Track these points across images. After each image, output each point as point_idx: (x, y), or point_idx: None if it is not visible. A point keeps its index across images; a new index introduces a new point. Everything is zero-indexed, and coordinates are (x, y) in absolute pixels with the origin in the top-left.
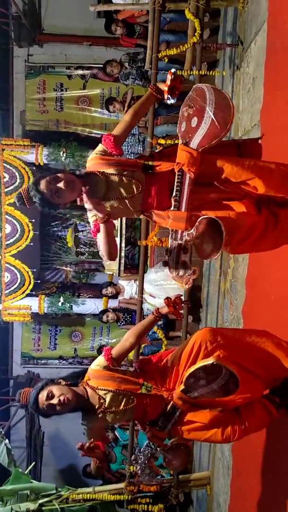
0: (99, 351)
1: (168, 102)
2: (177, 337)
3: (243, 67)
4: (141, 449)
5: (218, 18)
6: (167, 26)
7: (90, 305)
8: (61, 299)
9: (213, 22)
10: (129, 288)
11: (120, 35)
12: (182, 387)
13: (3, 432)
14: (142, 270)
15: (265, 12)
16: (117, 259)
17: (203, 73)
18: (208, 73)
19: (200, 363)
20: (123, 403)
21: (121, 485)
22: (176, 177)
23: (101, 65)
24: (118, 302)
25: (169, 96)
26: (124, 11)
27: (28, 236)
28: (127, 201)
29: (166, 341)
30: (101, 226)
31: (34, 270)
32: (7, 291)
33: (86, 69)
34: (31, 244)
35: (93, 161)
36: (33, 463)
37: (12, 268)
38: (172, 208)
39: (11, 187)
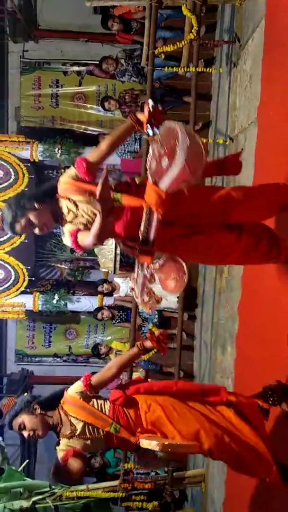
0: (94, 349)
1: (149, 133)
2: (173, 335)
3: (240, 64)
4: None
5: (215, 14)
6: (164, 23)
7: (85, 303)
8: (56, 297)
9: (210, 19)
10: (124, 285)
11: (116, 31)
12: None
13: None
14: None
15: (262, 9)
16: (113, 256)
17: (199, 70)
18: (205, 70)
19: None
20: (92, 434)
21: (115, 482)
22: (144, 214)
23: (97, 62)
24: (114, 299)
25: (148, 127)
26: (121, 7)
27: (20, 236)
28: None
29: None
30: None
31: (29, 267)
32: (0, 288)
33: (82, 66)
34: (26, 241)
35: (64, 185)
36: (27, 461)
37: (6, 265)
38: (139, 242)
39: (5, 184)
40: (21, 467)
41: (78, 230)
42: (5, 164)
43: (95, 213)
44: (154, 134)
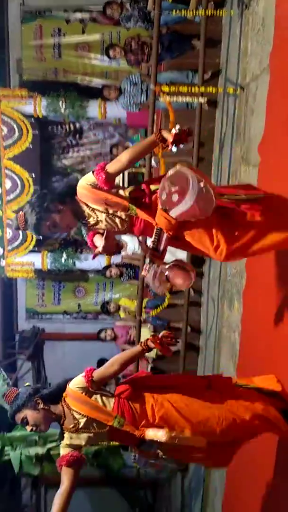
0: (103, 307)
1: (173, 150)
2: (180, 292)
3: (252, 6)
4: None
5: None
6: None
7: (93, 261)
8: (64, 255)
9: None
10: (132, 244)
11: None
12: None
13: (11, 383)
14: None
15: None
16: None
17: (209, 13)
18: (215, 13)
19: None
20: (95, 428)
21: None
22: (154, 231)
23: (101, 8)
24: (121, 258)
25: (174, 146)
26: None
27: (28, 192)
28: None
29: (169, 295)
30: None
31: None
32: (9, 247)
33: (85, 12)
34: (32, 199)
35: (83, 191)
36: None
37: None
38: (150, 249)
39: (10, 141)
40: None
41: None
42: (9, 120)
43: (113, 221)
44: (177, 151)
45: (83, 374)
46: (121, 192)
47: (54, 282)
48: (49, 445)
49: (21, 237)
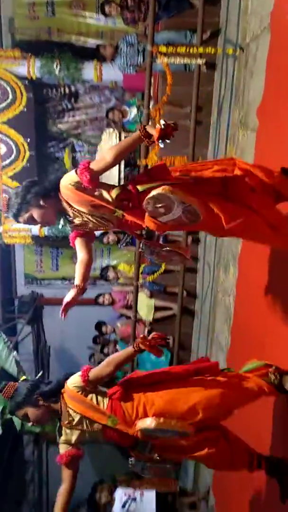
0: (103, 272)
1: (160, 145)
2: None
3: None
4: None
5: None
6: None
7: None
8: (61, 222)
9: None
10: None
11: None
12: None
13: (11, 346)
14: None
15: None
16: (117, 180)
17: None
18: None
19: (138, 427)
20: (89, 427)
21: None
22: (145, 231)
23: None
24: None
25: (160, 141)
26: None
27: (24, 157)
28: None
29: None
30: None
31: None
32: (6, 214)
33: None
34: (28, 165)
35: (67, 192)
36: (41, 372)
37: (10, 191)
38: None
39: (4, 104)
40: (36, 378)
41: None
42: (2, 82)
43: (100, 220)
44: (164, 145)
45: (80, 373)
46: (105, 195)
47: (52, 249)
48: None
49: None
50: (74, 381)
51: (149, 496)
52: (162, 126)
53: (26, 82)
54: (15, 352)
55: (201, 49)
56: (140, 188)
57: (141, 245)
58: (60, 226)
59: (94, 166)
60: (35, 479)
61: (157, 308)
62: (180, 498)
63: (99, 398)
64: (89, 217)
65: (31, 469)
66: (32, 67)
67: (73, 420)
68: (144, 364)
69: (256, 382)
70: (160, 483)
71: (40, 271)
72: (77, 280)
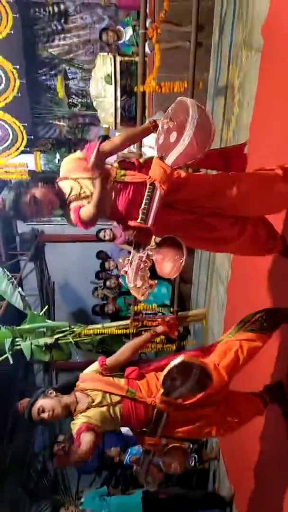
0: None
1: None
2: None
3: None
4: (140, 457)
5: None
6: None
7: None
8: (57, 156)
9: None
10: None
11: None
12: (161, 390)
13: (15, 283)
14: (140, 121)
15: None
16: (113, 110)
17: None
18: None
19: (170, 364)
20: (109, 401)
21: (127, 321)
22: (146, 190)
23: None
24: (116, 157)
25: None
26: None
27: (14, 86)
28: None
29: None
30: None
31: (26, 124)
32: (0, 149)
33: None
34: (19, 95)
35: (71, 164)
36: (46, 307)
37: (2, 123)
38: (138, 220)
39: None
40: (42, 312)
41: (81, 206)
42: None
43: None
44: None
45: (98, 361)
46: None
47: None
48: (57, 336)
49: (11, 136)
50: (91, 367)
51: None
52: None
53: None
54: (19, 288)
55: None
56: (142, 160)
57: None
58: (57, 161)
59: (103, 146)
60: None
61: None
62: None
63: (116, 378)
64: (88, 182)
65: None
66: None
67: (93, 400)
68: (146, 298)
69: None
70: None
71: None
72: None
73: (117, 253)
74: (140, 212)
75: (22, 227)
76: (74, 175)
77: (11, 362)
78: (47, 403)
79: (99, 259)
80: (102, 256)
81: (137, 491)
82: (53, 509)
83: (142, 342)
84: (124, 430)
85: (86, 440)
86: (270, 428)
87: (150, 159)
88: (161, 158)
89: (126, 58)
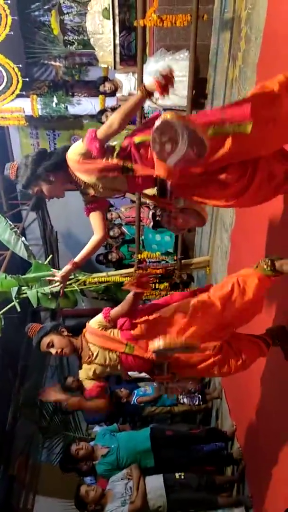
0: None
1: (166, 97)
2: None
3: None
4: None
5: None
6: None
7: (86, 105)
8: (55, 99)
9: None
10: (127, 82)
11: None
12: (152, 348)
13: (18, 232)
14: (141, 60)
15: None
16: (112, 48)
17: None
18: None
19: (151, 347)
20: (108, 358)
21: (131, 269)
22: (156, 181)
23: None
24: (116, 100)
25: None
26: None
27: (6, 24)
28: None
29: None
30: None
31: (20, 66)
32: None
33: None
34: (11, 33)
35: (75, 165)
36: (50, 256)
37: None
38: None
39: None
40: (47, 261)
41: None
42: None
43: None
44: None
45: (102, 313)
46: (110, 159)
47: (48, 131)
48: None
49: (5, 79)
50: (96, 319)
51: None
52: (159, 79)
53: None
54: (23, 238)
55: None
56: (137, 139)
57: (158, 213)
58: (54, 105)
59: (101, 134)
60: None
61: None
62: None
63: (116, 332)
64: (99, 185)
65: None
66: None
67: (93, 355)
68: (150, 247)
69: (254, 279)
70: None
71: None
72: (78, 258)
73: (119, 202)
74: (157, 192)
75: None
76: (82, 177)
77: (18, 309)
78: (57, 340)
79: None
80: (106, 206)
81: (144, 427)
82: (65, 444)
83: (134, 105)
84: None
85: (99, 404)
86: (272, 368)
87: (146, 141)
88: (162, 160)
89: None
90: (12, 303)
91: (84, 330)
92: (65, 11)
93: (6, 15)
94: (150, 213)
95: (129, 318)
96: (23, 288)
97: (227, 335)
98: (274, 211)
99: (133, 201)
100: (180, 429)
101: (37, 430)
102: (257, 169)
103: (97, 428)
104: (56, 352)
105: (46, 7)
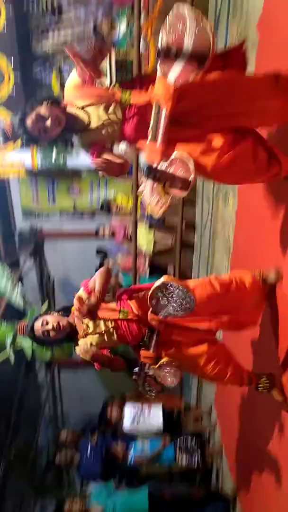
0: (102, 206)
1: None
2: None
3: None
4: (137, 371)
5: None
6: None
7: (84, 158)
8: (54, 152)
9: None
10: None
11: None
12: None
13: (15, 280)
14: None
15: None
16: None
17: None
18: None
19: (154, 285)
20: (104, 326)
21: None
22: (153, 109)
23: None
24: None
25: None
26: None
27: (9, 79)
28: (106, 129)
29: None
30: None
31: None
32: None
33: None
34: (14, 95)
35: (72, 91)
36: (47, 301)
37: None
38: (148, 140)
39: None
40: (43, 306)
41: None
42: None
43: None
44: None
45: (82, 288)
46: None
47: (47, 181)
48: None
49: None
50: (80, 294)
51: (156, 410)
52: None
53: None
54: (19, 285)
55: None
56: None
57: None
58: (54, 157)
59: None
60: (50, 399)
61: (157, 240)
62: (184, 413)
63: (107, 301)
64: (96, 111)
65: (45, 391)
66: None
67: (88, 327)
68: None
69: (248, 277)
70: (166, 400)
71: (37, 205)
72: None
73: (116, 250)
74: (149, 132)
75: (21, 224)
76: (80, 102)
77: (13, 359)
78: (50, 317)
79: (98, 254)
80: (102, 252)
81: (142, 486)
82: (58, 503)
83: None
84: (127, 427)
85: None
86: (272, 424)
87: (149, 75)
88: (164, 75)
89: (120, 58)
90: (6, 353)
91: (72, 309)
92: (64, 70)
93: (9, 75)
94: (147, 262)
95: (126, 289)
96: (18, 336)
97: (221, 324)
98: (268, 262)
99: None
100: (179, 490)
101: (29, 488)
102: (244, 139)
103: (92, 485)
104: (53, 327)
105: (47, 65)
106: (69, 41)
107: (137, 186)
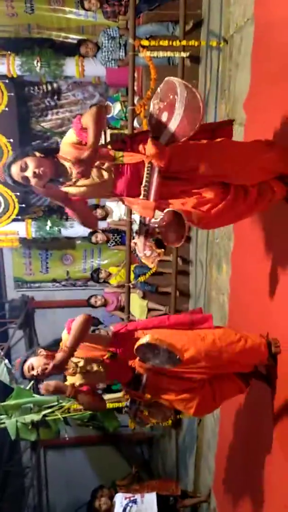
0: (94, 273)
1: None
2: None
3: None
4: (128, 405)
5: None
6: None
7: (78, 228)
8: (49, 223)
9: None
10: (117, 209)
11: None
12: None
13: (2, 353)
14: None
15: None
16: None
17: None
18: None
19: (139, 341)
20: (92, 367)
21: (119, 394)
22: (145, 168)
23: None
24: (107, 224)
25: None
26: None
27: (8, 157)
28: (97, 186)
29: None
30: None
31: (18, 194)
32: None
33: None
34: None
35: (67, 149)
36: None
37: None
38: (141, 197)
39: None
40: (29, 386)
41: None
42: None
43: (100, 173)
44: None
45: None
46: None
47: (41, 251)
48: (44, 412)
49: (3, 205)
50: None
51: (150, 499)
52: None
53: (7, 80)
54: (6, 360)
55: (184, 42)
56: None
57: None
58: (48, 228)
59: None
60: (34, 485)
61: (150, 309)
62: (181, 501)
63: (100, 337)
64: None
65: (29, 475)
66: (12, 65)
67: (77, 366)
68: None
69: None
70: (161, 486)
71: (29, 273)
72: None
73: (109, 320)
74: (142, 189)
75: (12, 294)
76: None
77: None
78: (35, 361)
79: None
80: (94, 322)
81: None
82: None
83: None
84: None
85: (84, 399)
86: (264, 473)
87: (139, 133)
88: (156, 138)
89: (115, 132)
90: None
91: (61, 344)
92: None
93: (8, 151)
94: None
95: (125, 326)
96: (1, 416)
97: (213, 373)
98: (265, 329)
99: (121, 319)
100: None
101: None
102: (232, 186)
103: None
104: (37, 372)
105: (45, 144)
106: (67, 120)
107: (130, 254)
